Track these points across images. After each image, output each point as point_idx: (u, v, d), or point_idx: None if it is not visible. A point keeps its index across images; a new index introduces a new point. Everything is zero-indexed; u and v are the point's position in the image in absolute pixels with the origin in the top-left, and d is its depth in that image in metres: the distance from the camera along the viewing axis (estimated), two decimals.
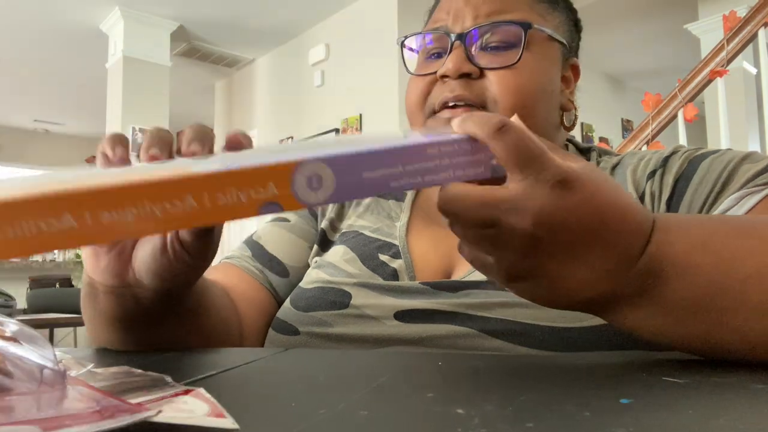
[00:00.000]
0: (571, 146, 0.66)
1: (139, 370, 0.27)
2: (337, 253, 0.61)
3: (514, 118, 0.34)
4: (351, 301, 0.53)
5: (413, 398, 0.25)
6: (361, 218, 0.66)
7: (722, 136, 2.60)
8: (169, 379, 0.24)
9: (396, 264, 0.58)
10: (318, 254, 0.64)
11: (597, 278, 0.33)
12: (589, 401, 0.24)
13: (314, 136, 4.59)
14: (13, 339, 0.21)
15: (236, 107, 5.65)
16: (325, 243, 0.66)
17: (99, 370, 0.27)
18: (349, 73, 4.27)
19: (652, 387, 0.27)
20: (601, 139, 5.42)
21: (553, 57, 0.60)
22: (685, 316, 0.34)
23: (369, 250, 0.59)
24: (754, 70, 3.47)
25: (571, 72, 0.64)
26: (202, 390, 0.21)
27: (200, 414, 0.19)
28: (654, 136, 2.61)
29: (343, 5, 4.31)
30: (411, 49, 0.64)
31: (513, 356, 0.42)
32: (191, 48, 5.00)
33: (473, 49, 0.58)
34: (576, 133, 5.36)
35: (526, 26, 0.57)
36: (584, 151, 0.65)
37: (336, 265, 0.58)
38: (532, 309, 0.46)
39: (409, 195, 0.68)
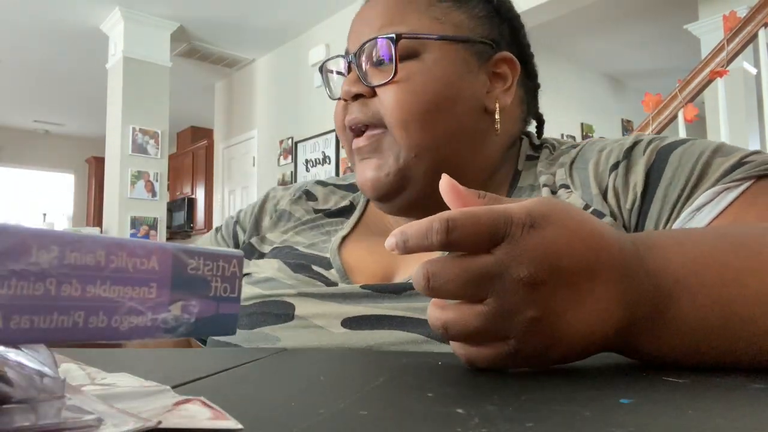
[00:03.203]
0: (525, 142, 0.63)
1: (140, 378, 0.26)
2: (271, 266, 0.59)
3: (444, 182, 0.33)
4: (295, 312, 0.52)
5: (413, 398, 0.25)
6: (298, 234, 0.64)
7: (722, 137, 2.60)
8: (168, 388, 0.24)
9: (329, 273, 0.56)
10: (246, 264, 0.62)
11: (608, 307, 0.31)
12: (589, 401, 0.24)
13: (314, 136, 4.60)
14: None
15: (236, 107, 5.65)
16: (252, 254, 0.64)
17: (99, 377, 0.27)
18: None
19: (652, 387, 0.27)
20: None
21: (455, 59, 0.56)
22: (699, 341, 0.32)
23: (302, 263, 0.58)
24: (754, 71, 3.47)
25: (506, 67, 0.59)
26: (202, 398, 0.21)
27: (202, 419, 0.19)
28: None
29: (343, 5, 4.31)
30: (339, 73, 0.65)
31: None
32: (191, 48, 5.00)
33: (366, 68, 0.57)
34: (576, 133, 5.36)
35: (393, 39, 0.54)
36: (537, 148, 0.62)
37: (273, 278, 0.57)
38: None
39: (361, 203, 0.66)
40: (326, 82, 0.66)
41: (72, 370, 0.28)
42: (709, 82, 2.60)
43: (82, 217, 8.02)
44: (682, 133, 2.61)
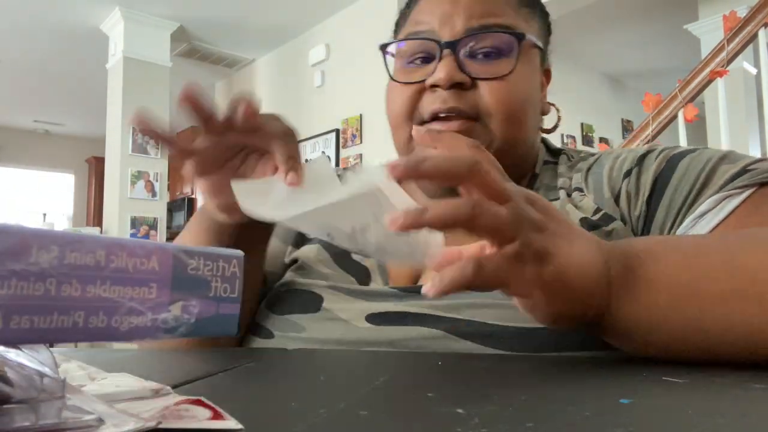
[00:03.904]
0: (542, 147, 0.65)
1: (139, 378, 0.26)
2: (312, 251, 0.60)
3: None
4: (323, 305, 0.53)
5: (413, 398, 0.25)
6: None
7: (722, 137, 2.60)
8: (169, 388, 0.24)
9: (368, 263, 0.58)
10: (292, 253, 0.64)
11: (589, 251, 0.35)
12: (589, 401, 0.24)
13: (314, 136, 4.60)
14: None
15: None
16: (301, 241, 0.65)
17: (99, 377, 0.27)
18: (349, 73, 4.27)
19: (652, 387, 0.27)
20: (602, 140, 5.41)
21: (536, 64, 0.60)
22: (674, 302, 0.35)
23: (342, 250, 0.59)
24: (754, 71, 3.46)
25: (544, 76, 0.64)
26: (202, 398, 0.21)
27: (202, 419, 0.19)
28: (654, 137, 2.61)
29: (343, 5, 4.31)
30: (393, 55, 0.61)
31: (513, 356, 0.42)
32: (191, 48, 5.00)
33: (463, 57, 0.55)
34: (576, 134, 5.36)
35: (521, 36, 0.55)
36: (555, 154, 0.64)
37: (310, 267, 0.59)
38: (500, 309, 0.46)
39: None
40: (386, 64, 0.62)
41: (72, 370, 0.28)
42: (709, 82, 2.60)
43: (82, 217, 8.01)
44: (682, 133, 2.61)
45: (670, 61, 5.45)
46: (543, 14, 0.64)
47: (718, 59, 2.57)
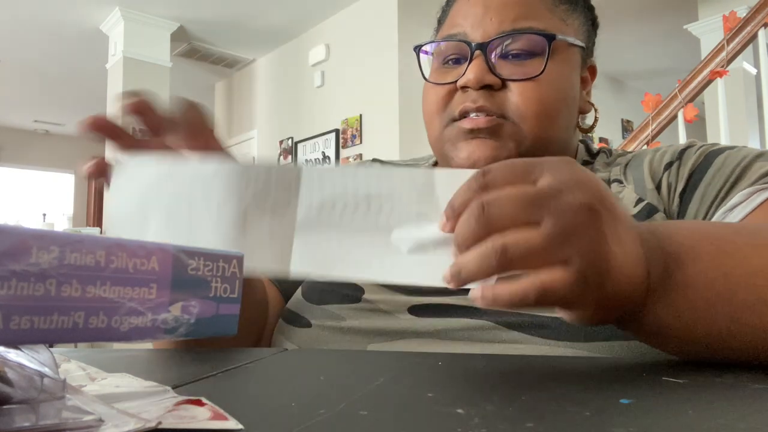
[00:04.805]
0: (581, 148, 0.65)
1: (139, 378, 0.26)
2: None
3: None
4: (363, 296, 0.53)
5: (413, 398, 0.25)
6: None
7: (722, 137, 2.60)
8: (169, 388, 0.24)
9: None
10: None
11: (636, 253, 0.32)
12: (589, 401, 0.24)
13: (314, 136, 4.60)
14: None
15: (236, 107, 5.65)
16: None
17: (99, 377, 0.27)
18: (349, 73, 4.27)
19: (652, 387, 0.27)
20: (601, 139, 5.42)
21: (574, 62, 0.59)
22: (705, 307, 0.33)
23: None
24: (754, 71, 3.47)
25: (588, 73, 0.63)
26: (202, 398, 0.21)
27: (202, 419, 0.19)
28: (654, 137, 2.61)
29: (343, 5, 4.31)
30: (426, 53, 0.62)
31: (513, 356, 0.42)
32: (191, 48, 5.00)
33: (494, 58, 0.56)
34: None
35: (551, 38, 0.55)
36: (594, 155, 0.65)
37: None
38: None
39: None
40: (420, 65, 0.63)
41: (72, 370, 0.28)
42: (709, 82, 2.60)
43: (82, 218, 8.01)
44: (682, 133, 2.61)
45: (670, 61, 5.45)
46: (587, 9, 0.63)
47: (718, 59, 2.57)
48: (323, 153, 4.57)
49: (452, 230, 0.31)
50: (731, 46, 2.58)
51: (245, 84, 5.51)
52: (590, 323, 0.33)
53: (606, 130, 5.69)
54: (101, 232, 4.60)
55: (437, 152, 0.61)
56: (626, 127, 6.00)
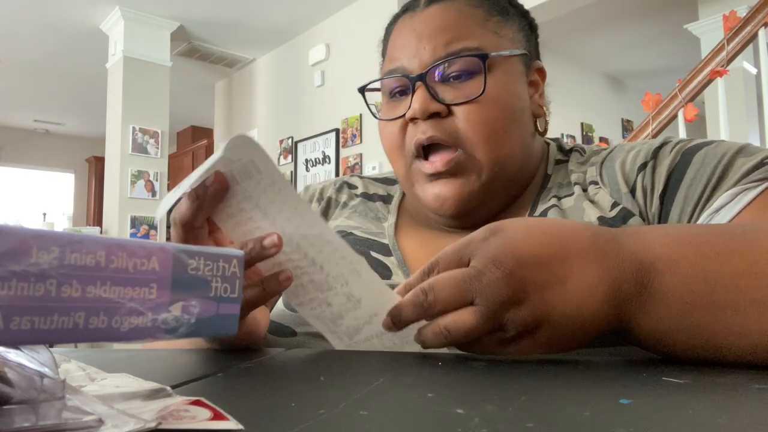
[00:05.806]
0: (553, 147, 0.65)
1: (139, 378, 0.26)
2: None
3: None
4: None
5: (413, 398, 0.25)
6: (349, 219, 0.66)
7: (722, 137, 2.60)
8: (169, 389, 0.24)
9: (388, 261, 0.58)
10: None
11: (591, 284, 0.34)
12: (589, 401, 0.24)
13: (314, 136, 4.60)
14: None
15: (236, 107, 5.65)
16: None
17: (99, 378, 0.27)
18: (349, 73, 4.27)
19: (652, 387, 0.27)
20: (601, 139, 5.42)
21: (516, 72, 0.58)
22: (685, 312, 0.34)
23: (360, 249, 0.59)
24: (754, 70, 3.47)
25: (537, 75, 0.62)
26: (202, 399, 0.21)
27: (202, 419, 0.19)
28: (654, 137, 2.61)
29: (343, 5, 4.31)
30: (374, 90, 0.63)
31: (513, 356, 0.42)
32: (191, 48, 5.00)
33: (435, 86, 0.56)
34: (576, 133, 5.35)
35: (484, 57, 0.55)
36: (567, 153, 0.64)
37: None
38: None
39: (396, 197, 0.69)
40: (368, 105, 0.64)
41: (72, 370, 0.28)
42: (709, 81, 2.60)
43: (82, 217, 8.01)
44: (682, 133, 2.61)
45: (670, 61, 5.46)
46: (520, 15, 0.62)
47: (718, 59, 2.57)
48: (323, 153, 4.58)
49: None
50: (731, 45, 2.58)
51: (245, 83, 5.51)
52: (563, 351, 0.36)
53: (606, 129, 5.69)
54: (101, 232, 4.58)
55: (406, 189, 0.63)
56: (626, 127, 6.00)
